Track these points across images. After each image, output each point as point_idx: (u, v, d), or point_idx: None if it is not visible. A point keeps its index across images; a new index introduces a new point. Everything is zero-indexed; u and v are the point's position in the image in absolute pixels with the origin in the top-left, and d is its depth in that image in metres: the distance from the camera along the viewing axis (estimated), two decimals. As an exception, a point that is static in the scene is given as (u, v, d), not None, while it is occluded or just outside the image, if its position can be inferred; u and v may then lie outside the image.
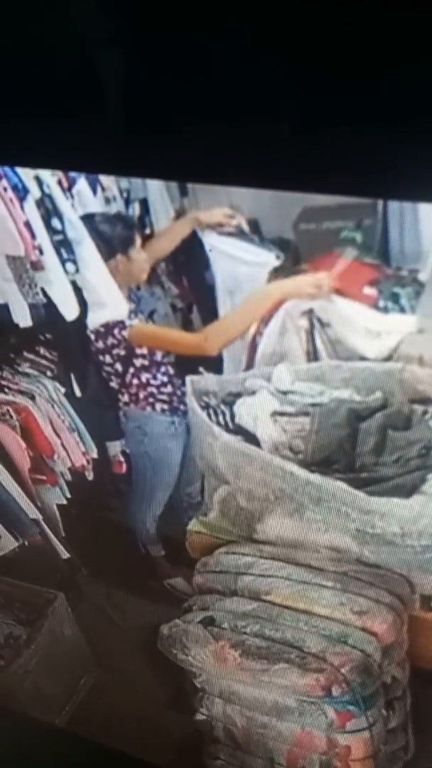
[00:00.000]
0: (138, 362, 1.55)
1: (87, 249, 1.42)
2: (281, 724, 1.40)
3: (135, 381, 1.57)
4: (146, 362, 1.55)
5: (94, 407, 1.64)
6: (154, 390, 1.58)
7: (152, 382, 1.58)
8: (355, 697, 1.29)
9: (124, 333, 1.50)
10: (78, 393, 1.63)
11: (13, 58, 0.86)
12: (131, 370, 1.55)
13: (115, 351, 1.53)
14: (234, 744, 1.50)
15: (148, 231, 1.49)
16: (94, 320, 1.49)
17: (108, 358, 1.54)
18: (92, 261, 1.44)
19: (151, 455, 1.65)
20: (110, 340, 1.52)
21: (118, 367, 1.55)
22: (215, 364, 1.52)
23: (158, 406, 1.59)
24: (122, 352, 1.53)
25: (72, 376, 1.62)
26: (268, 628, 1.34)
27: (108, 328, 1.50)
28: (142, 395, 1.58)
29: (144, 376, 1.57)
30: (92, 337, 1.51)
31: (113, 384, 1.58)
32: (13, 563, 1.74)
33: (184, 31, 0.75)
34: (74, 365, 1.62)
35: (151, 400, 1.59)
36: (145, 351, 1.56)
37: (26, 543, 1.72)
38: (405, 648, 1.33)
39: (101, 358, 1.55)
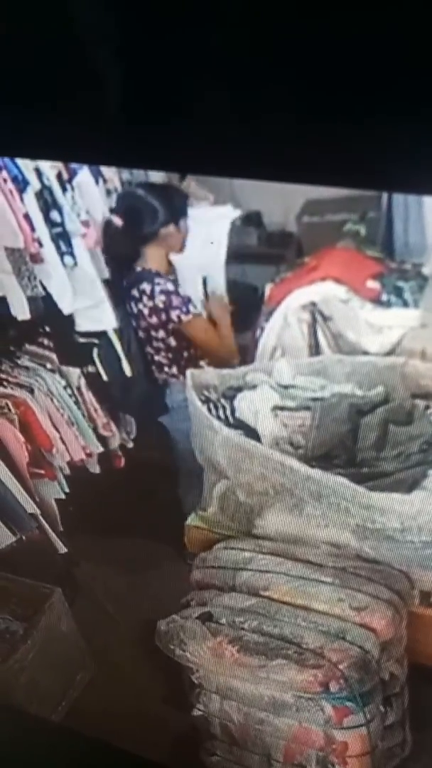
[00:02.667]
0: None
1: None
2: (278, 719, 1.39)
3: (186, 354, 1.57)
4: None
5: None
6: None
7: None
8: (353, 694, 1.28)
9: (183, 317, 1.53)
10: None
11: (15, 50, 0.85)
12: (184, 343, 1.56)
13: (170, 326, 1.54)
14: (231, 740, 1.50)
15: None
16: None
17: (162, 333, 1.55)
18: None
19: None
20: (164, 317, 1.53)
21: (171, 341, 1.56)
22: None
23: None
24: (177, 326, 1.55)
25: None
26: (267, 624, 1.33)
27: (168, 306, 1.52)
28: (191, 366, 1.58)
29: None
30: (145, 312, 1.53)
31: (160, 358, 1.59)
32: (10, 558, 1.73)
33: (186, 21, 0.74)
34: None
35: None
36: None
37: (23, 538, 1.71)
38: (404, 644, 1.33)
39: (153, 333, 1.56)
